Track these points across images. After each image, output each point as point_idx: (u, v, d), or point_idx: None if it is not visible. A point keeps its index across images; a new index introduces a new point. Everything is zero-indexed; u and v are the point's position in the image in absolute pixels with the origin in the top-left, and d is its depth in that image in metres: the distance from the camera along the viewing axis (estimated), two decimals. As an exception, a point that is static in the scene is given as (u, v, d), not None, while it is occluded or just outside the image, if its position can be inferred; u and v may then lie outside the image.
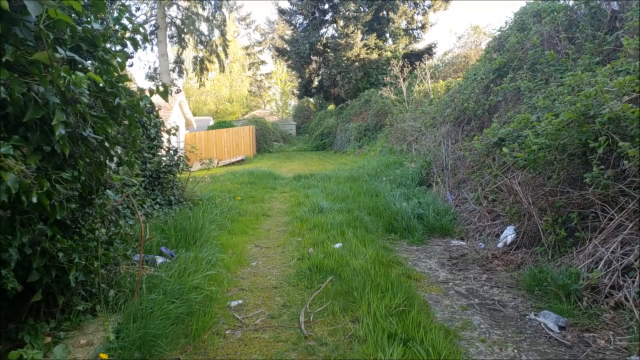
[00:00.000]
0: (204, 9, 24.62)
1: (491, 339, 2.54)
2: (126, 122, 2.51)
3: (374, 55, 22.06)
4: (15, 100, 1.65)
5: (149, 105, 2.62)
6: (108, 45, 2.43)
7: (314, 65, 25.12)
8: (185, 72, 28.93)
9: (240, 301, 3.23)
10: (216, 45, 25.58)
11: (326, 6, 24.05)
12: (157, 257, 3.69)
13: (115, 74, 2.31)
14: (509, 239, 4.02)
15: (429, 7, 23.47)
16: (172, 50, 25.36)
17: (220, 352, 2.48)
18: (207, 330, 2.71)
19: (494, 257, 3.95)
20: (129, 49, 2.70)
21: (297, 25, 25.67)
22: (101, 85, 2.19)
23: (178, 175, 6.25)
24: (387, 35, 23.58)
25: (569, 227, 3.45)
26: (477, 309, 2.98)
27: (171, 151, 6.14)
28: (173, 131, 6.50)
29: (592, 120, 3.34)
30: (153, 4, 22.65)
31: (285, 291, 3.41)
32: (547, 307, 2.85)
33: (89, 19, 2.27)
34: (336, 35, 23.11)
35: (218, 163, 18.97)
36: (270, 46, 37.22)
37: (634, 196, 3.03)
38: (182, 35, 24.57)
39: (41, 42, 1.75)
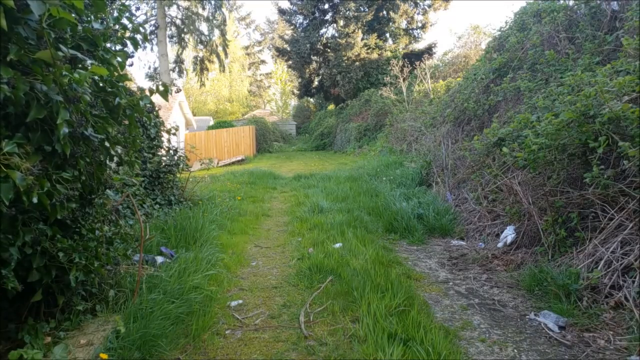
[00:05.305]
0: (204, 8, 24.61)
1: (491, 338, 2.54)
2: (126, 122, 2.51)
3: (374, 55, 22.06)
4: (18, 100, 1.65)
5: (149, 104, 2.62)
6: (108, 45, 2.43)
7: (314, 65, 25.09)
8: (185, 72, 28.90)
9: (240, 301, 3.23)
10: (216, 45, 25.57)
11: (326, 6, 24.04)
12: (157, 257, 3.70)
13: (116, 74, 2.31)
14: (509, 239, 4.03)
15: (429, 7, 23.48)
16: (172, 50, 25.35)
17: (220, 352, 2.48)
18: (207, 330, 2.71)
19: (494, 257, 3.95)
20: (129, 48, 2.70)
21: (297, 25, 25.64)
22: (101, 85, 2.19)
23: (178, 175, 6.25)
24: (388, 35, 23.57)
25: (569, 227, 3.45)
26: (477, 309, 2.98)
27: (171, 151, 6.14)
28: (173, 131, 6.49)
29: (592, 120, 3.34)
30: (153, 4, 22.63)
31: (285, 291, 3.41)
32: (547, 307, 2.85)
33: (89, 19, 2.27)
34: (336, 35, 23.09)
35: (218, 163, 18.96)
36: (270, 46, 37.24)
37: (634, 196, 3.03)
38: (182, 35, 24.56)
39: (43, 40, 1.75)
